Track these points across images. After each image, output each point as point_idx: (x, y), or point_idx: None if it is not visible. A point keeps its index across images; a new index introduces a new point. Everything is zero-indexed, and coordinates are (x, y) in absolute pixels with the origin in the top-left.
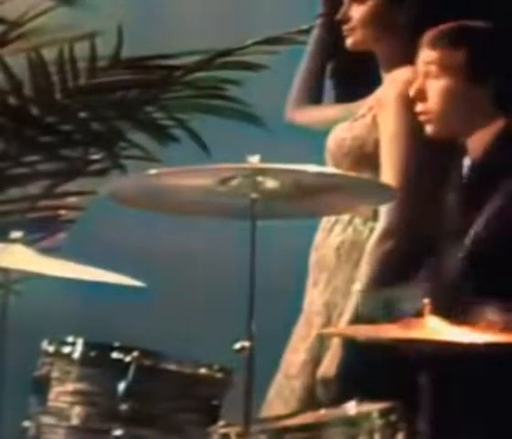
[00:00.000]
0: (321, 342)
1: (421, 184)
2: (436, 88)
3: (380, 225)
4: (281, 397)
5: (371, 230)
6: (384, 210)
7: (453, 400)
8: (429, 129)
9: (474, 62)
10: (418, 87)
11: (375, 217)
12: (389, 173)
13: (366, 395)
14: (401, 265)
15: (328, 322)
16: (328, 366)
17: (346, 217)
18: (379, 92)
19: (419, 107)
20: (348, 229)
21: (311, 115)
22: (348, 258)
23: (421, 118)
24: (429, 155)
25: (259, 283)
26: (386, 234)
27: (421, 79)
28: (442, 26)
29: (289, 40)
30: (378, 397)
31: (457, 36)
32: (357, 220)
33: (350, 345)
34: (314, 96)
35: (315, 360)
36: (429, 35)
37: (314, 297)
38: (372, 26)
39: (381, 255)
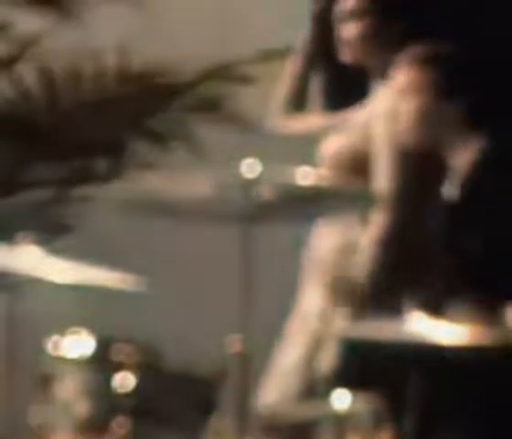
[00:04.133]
0: (319, 341)
1: (415, 192)
2: (409, 105)
3: (377, 229)
4: (279, 393)
5: (368, 234)
6: (381, 215)
7: (439, 398)
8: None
9: (442, 80)
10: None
11: (370, 220)
12: (384, 180)
13: (361, 392)
14: (396, 268)
15: (327, 321)
16: (328, 363)
17: (344, 220)
18: (374, 104)
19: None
20: (347, 232)
21: (298, 124)
22: (347, 260)
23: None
24: (419, 166)
25: (254, 280)
26: (382, 238)
27: (396, 96)
28: (416, 48)
29: (285, 54)
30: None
31: (427, 56)
32: (355, 224)
33: (347, 343)
34: (299, 105)
35: (313, 358)
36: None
37: (312, 297)
38: (369, 42)
39: (377, 258)
